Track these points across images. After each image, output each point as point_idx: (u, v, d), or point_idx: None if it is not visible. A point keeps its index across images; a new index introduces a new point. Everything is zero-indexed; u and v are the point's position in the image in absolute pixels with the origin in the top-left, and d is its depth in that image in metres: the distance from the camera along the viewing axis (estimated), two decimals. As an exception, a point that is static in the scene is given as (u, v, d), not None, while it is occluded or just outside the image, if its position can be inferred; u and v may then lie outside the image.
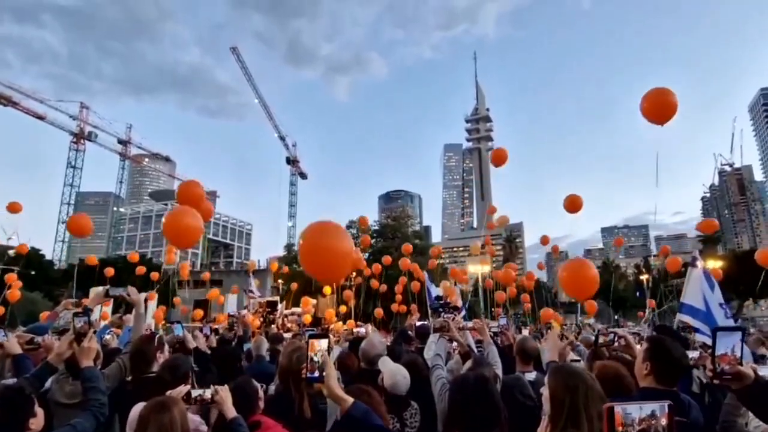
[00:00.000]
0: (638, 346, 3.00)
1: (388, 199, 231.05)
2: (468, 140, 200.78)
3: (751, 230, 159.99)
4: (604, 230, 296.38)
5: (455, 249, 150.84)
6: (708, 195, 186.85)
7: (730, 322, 6.84)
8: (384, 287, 17.75)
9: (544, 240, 18.44)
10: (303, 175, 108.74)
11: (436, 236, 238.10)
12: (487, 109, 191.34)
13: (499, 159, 10.64)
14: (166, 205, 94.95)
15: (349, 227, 40.42)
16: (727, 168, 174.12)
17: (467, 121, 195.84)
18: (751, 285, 49.06)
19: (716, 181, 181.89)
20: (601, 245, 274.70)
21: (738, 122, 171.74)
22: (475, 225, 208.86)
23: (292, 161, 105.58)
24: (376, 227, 40.61)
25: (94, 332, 2.69)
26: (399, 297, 17.48)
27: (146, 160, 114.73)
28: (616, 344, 3.42)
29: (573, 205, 9.82)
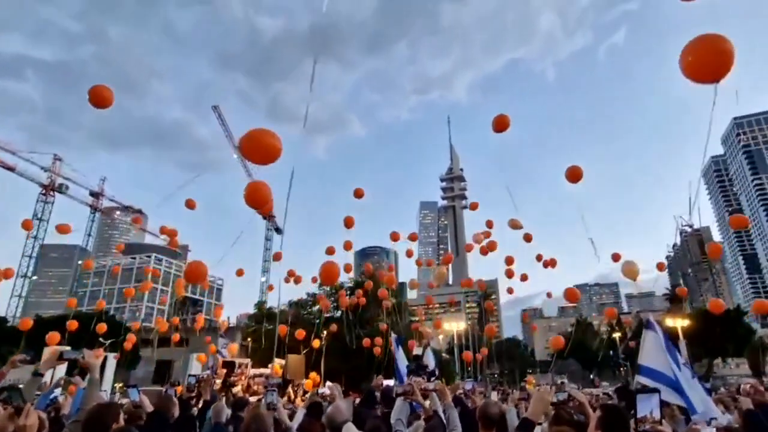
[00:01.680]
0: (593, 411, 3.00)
1: (365, 255, 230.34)
2: (443, 198, 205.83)
3: (715, 289, 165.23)
4: (577, 287, 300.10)
5: (431, 306, 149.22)
6: (672, 255, 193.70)
7: (696, 381, 6.99)
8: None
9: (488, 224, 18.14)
10: (278, 230, 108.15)
11: (411, 292, 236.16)
12: (461, 169, 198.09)
13: (502, 125, 10.63)
14: (134, 258, 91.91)
15: (321, 284, 39.85)
16: (688, 229, 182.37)
17: (442, 180, 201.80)
18: (718, 343, 50.12)
19: (678, 242, 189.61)
20: (574, 303, 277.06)
21: (693, 186, 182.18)
22: (450, 281, 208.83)
23: (268, 216, 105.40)
24: (350, 284, 40.24)
25: (39, 394, 2.57)
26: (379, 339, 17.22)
27: (117, 212, 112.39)
28: (570, 404, 3.44)
29: (573, 175, 10.19)
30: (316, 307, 40.57)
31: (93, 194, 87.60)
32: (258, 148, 5.49)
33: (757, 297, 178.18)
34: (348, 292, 38.74)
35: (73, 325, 13.91)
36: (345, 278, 41.86)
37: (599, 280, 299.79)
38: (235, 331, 44.38)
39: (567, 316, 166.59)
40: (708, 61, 4.14)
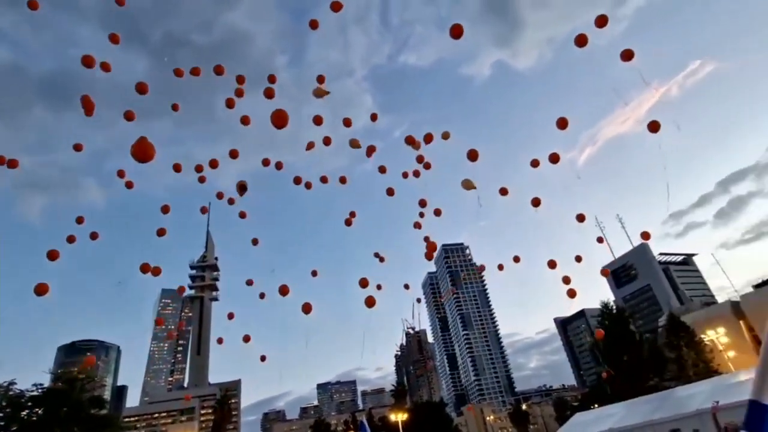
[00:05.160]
0: None
1: (73, 351, 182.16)
2: (191, 287, 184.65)
3: (428, 384, 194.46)
4: (319, 386, 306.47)
5: (156, 415, 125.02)
6: (399, 353, 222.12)
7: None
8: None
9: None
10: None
11: (133, 398, 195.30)
12: (216, 259, 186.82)
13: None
14: None
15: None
16: (411, 331, 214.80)
17: (192, 267, 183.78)
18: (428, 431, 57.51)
19: (404, 342, 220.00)
20: (316, 402, 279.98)
21: (414, 297, 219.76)
22: (186, 384, 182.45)
23: None
24: (35, 392, 30.16)
25: None
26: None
27: None
28: None
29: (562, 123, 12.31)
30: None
31: None
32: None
33: (455, 390, 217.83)
34: (29, 404, 28.81)
35: None
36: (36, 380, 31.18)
37: (341, 378, 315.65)
38: None
39: (309, 417, 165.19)
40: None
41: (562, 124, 12.53)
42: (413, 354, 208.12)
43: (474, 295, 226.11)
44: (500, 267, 17.29)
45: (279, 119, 10.65)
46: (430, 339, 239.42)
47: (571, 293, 14.25)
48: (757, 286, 59.89)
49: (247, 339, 15.88)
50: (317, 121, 13.32)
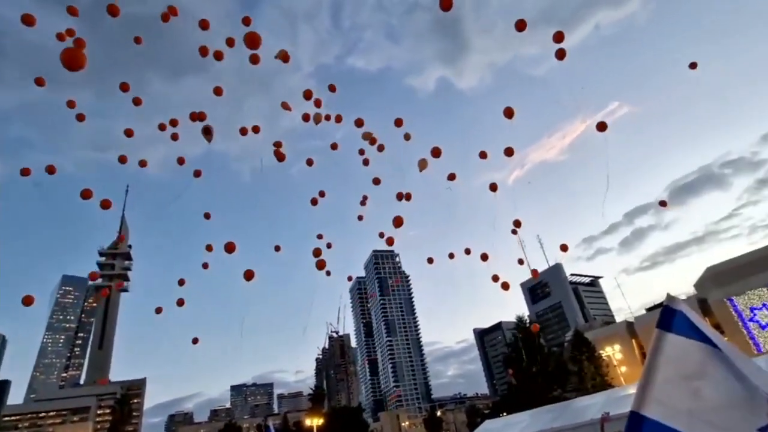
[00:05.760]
0: None
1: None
2: (98, 276, 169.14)
3: (348, 388, 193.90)
4: (233, 388, 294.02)
5: (43, 414, 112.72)
6: (321, 357, 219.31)
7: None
8: None
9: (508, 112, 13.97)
10: None
11: (17, 395, 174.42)
12: (129, 246, 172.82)
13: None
14: None
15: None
16: (335, 334, 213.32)
17: (102, 254, 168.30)
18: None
19: (327, 345, 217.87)
20: (228, 404, 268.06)
21: (343, 299, 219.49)
22: (82, 380, 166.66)
23: None
24: None
25: None
26: None
27: None
28: None
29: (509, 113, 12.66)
30: None
31: None
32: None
33: (374, 395, 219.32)
34: None
35: None
36: None
37: (257, 381, 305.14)
38: None
39: (220, 420, 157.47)
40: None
41: (508, 113, 12.98)
42: (335, 358, 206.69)
43: (400, 303, 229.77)
44: (430, 260, 17.57)
45: (252, 42, 10.47)
46: (354, 344, 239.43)
47: (505, 286, 14.50)
48: (649, 309, 66.93)
49: (180, 303, 14.33)
50: (307, 95, 13.20)
